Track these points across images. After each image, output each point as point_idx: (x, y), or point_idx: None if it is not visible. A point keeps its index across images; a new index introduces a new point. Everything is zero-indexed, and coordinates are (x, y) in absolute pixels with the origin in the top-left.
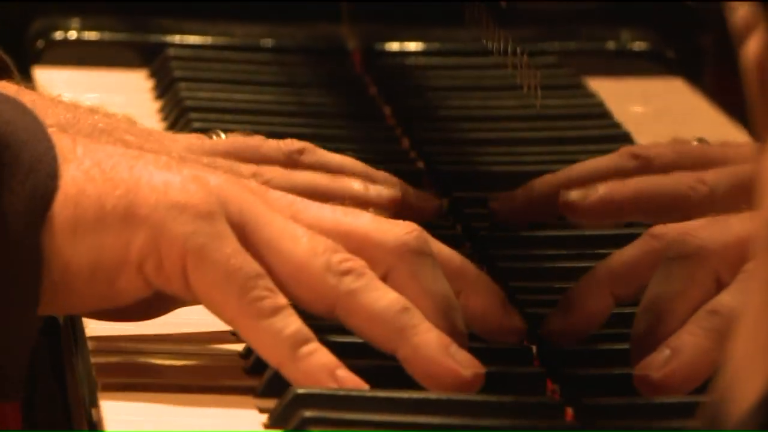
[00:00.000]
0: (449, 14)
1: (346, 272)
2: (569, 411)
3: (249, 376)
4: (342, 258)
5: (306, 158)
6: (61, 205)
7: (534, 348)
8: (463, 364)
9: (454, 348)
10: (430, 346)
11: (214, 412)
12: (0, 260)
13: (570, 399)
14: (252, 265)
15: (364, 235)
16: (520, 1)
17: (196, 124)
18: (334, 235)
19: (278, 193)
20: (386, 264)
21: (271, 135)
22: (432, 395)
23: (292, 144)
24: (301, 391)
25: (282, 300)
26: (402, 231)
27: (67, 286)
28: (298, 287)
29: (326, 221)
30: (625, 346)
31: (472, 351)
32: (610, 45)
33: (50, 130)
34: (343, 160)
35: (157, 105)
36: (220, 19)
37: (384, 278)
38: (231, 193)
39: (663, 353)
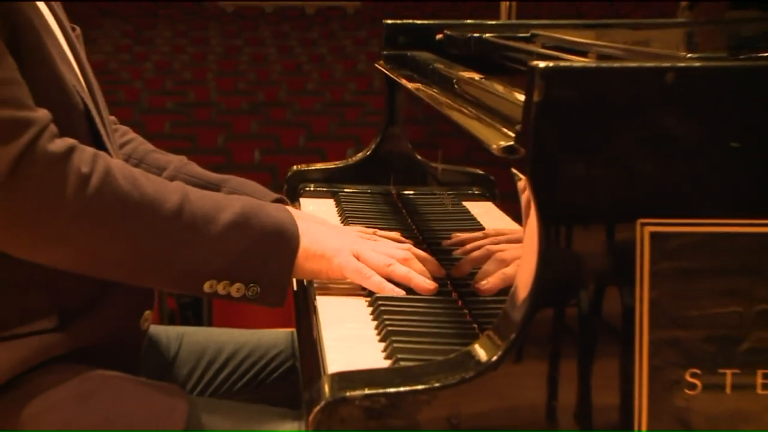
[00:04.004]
0: (419, 178)
1: (390, 264)
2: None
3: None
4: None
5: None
6: (302, 255)
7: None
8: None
9: (422, 279)
10: (416, 277)
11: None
12: (278, 269)
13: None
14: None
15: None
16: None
17: (350, 221)
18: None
19: (376, 246)
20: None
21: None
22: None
23: (400, 238)
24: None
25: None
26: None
27: (300, 276)
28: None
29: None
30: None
31: None
32: (475, 191)
33: (298, 222)
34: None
35: (337, 210)
36: (360, 183)
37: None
38: (357, 249)
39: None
